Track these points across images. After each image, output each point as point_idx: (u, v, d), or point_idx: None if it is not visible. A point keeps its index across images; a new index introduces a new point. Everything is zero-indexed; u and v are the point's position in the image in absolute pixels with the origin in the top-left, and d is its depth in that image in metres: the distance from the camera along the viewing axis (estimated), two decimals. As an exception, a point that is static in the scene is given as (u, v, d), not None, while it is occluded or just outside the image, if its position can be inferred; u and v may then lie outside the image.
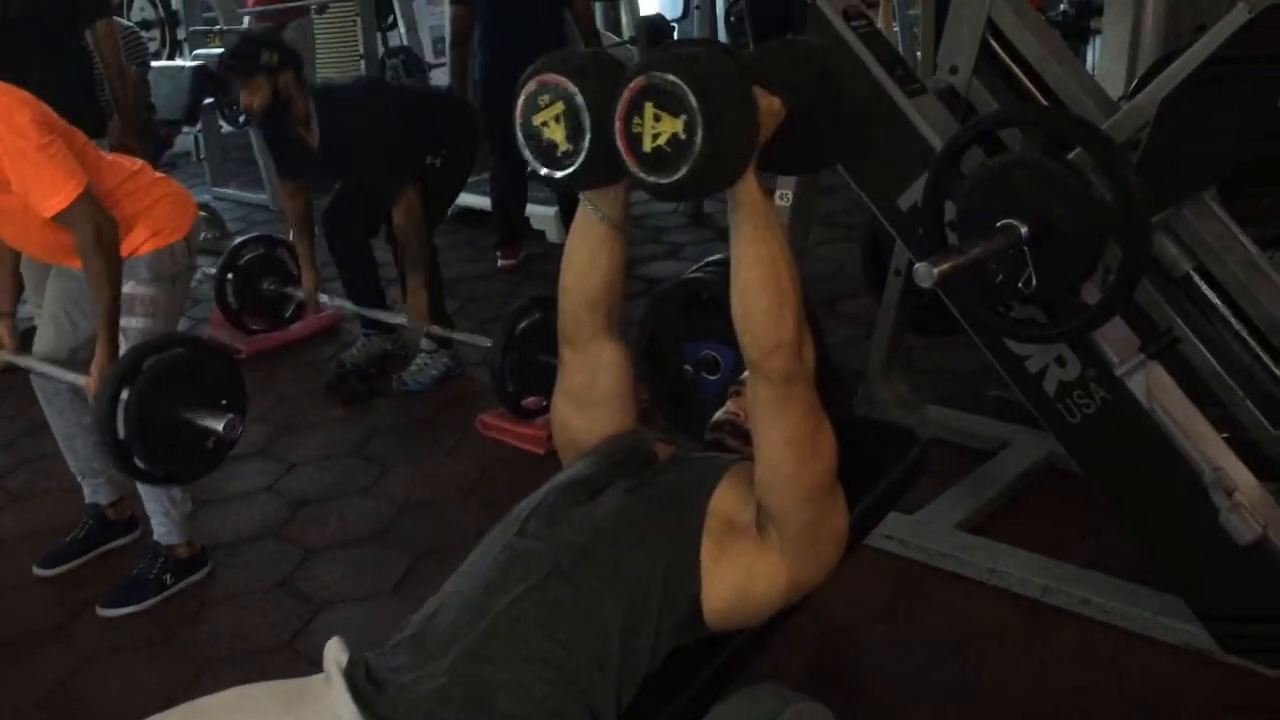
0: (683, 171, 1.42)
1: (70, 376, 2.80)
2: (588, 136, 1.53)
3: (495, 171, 5.20)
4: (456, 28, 5.09)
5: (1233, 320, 2.73)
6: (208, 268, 4.28)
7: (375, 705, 1.50)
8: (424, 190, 3.81)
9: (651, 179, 1.45)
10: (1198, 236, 2.70)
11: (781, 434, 1.58)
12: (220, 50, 6.21)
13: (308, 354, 4.47)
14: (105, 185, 2.75)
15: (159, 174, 2.94)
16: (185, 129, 6.29)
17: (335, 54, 8.02)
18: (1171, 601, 2.45)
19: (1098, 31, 4.53)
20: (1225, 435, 2.42)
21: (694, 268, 2.96)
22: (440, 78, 6.97)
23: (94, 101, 4.14)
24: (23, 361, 2.87)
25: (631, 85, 1.44)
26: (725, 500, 1.68)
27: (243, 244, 4.31)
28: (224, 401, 2.61)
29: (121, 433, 2.47)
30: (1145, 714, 2.29)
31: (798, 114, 1.58)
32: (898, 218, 2.60)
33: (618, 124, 1.46)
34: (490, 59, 4.95)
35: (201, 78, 5.69)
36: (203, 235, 5.81)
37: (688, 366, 2.83)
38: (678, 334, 2.83)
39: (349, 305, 4.19)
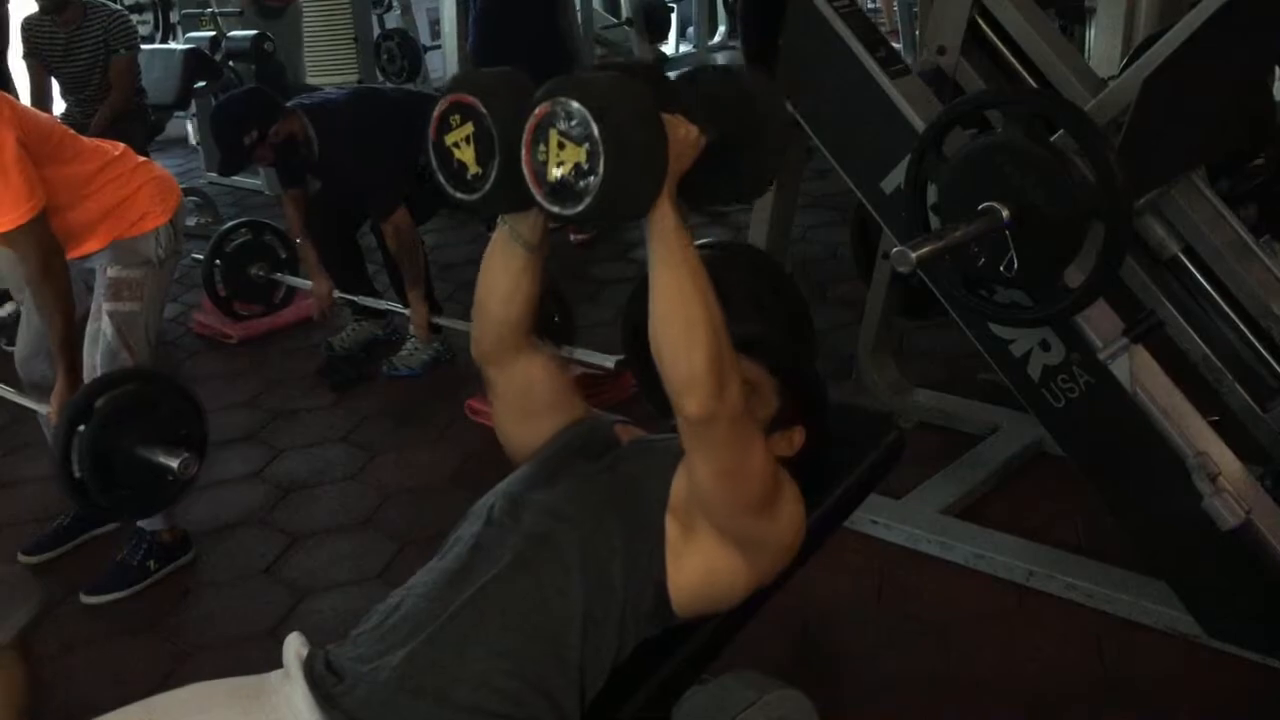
0: (586, 202, 1.36)
1: (32, 405, 2.79)
2: (496, 161, 1.47)
3: None
4: None
5: (1221, 302, 2.71)
6: (197, 253, 4.28)
7: (334, 696, 1.49)
8: (417, 186, 3.82)
9: (556, 209, 1.40)
10: (1186, 218, 2.67)
11: (707, 468, 1.53)
12: (212, 33, 6.20)
13: (297, 339, 4.46)
14: (86, 170, 2.74)
15: (141, 158, 2.92)
16: (178, 114, 6.25)
17: (329, 37, 8.00)
18: (1157, 586, 2.43)
19: (1093, 9, 4.48)
20: (1213, 419, 2.40)
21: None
22: (435, 61, 6.93)
23: None
24: None
25: (536, 111, 1.38)
26: (684, 486, 1.65)
27: (230, 229, 4.29)
28: (183, 434, 2.56)
29: (76, 471, 2.43)
30: (1129, 698, 2.28)
31: (719, 144, 1.51)
32: (881, 201, 2.58)
33: (524, 151, 1.40)
34: (482, 39, 4.94)
35: (194, 61, 5.66)
36: (196, 221, 5.85)
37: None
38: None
39: (351, 297, 4.18)
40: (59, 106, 5.13)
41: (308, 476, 3.43)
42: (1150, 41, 2.69)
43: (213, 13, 6.49)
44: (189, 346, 4.53)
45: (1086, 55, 4.22)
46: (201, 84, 5.87)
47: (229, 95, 4.30)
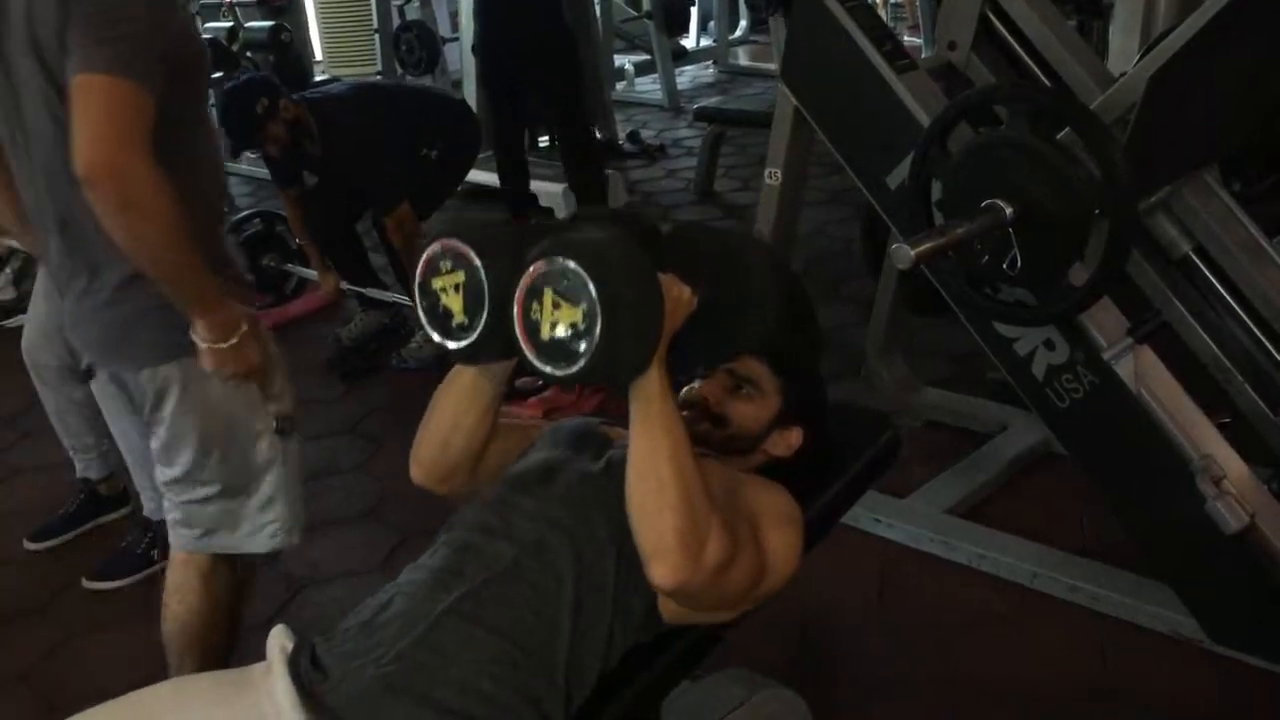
0: (580, 365, 1.33)
1: None
2: (484, 314, 1.43)
3: (495, 139, 5.17)
4: None
5: (1232, 303, 2.67)
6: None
7: (317, 692, 1.48)
8: (420, 180, 3.83)
9: (548, 369, 1.37)
10: (1197, 217, 2.63)
11: (690, 610, 1.53)
12: (230, 24, 6.22)
13: (307, 330, 4.46)
14: None
15: None
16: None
17: (347, 28, 8.02)
18: (1160, 590, 2.41)
19: (1111, 5, 4.44)
20: (1224, 421, 2.37)
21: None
22: (451, 54, 6.92)
23: None
24: None
25: (532, 269, 1.35)
26: None
27: (242, 220, 4.30)
28: None
29: None
30: (1131, 703, 2.26)
31: (708, 304, 1.48)
32: (886, 197, 2.56)
33: (516, 308, 1.37)
34: (487, 24, 4.94)
35: (216, 53, 5.67)
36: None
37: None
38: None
39: (359, 289, 4.19)
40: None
41: (313, 467, 3.41)
42: (1163, 38, 2.65)
43: (231, 3, 6.50)
44: (201, 336, 4.52)
45: (1105, 53, 4.19)
46: (218, 74, 5.88)
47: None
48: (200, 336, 1.85)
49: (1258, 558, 2.18)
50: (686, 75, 8.69)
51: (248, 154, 6.98)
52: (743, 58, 9.21)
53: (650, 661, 1.66)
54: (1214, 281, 2.67)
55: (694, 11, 9.17)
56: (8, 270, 4.60)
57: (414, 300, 1.51)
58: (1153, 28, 3.86)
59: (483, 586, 1.53)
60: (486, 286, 1.42)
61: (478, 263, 1.43)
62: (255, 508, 2.10)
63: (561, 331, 1.34)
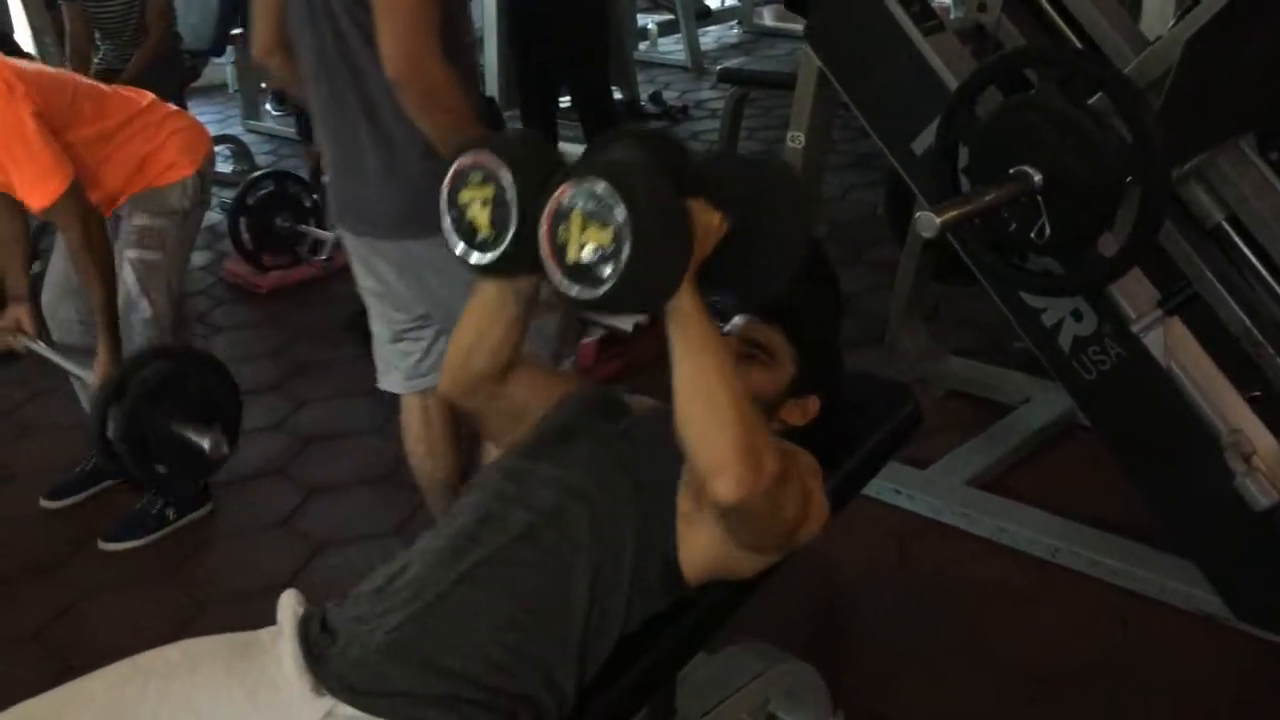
0: (606, 287, 1.31)
1: (81, 372, 2.78)
2: (511, 231, 1.42)
3: (523, 107, 5.11)
4: None
5: (1265, 273, 2.61)
6: (227, 200, 4.26)
7: (326, 657, 1.46)
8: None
9: (574, 292, 1.34)
10: (1231, 186, 2.57)
11: (741, 539, 1.51)
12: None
13: (326, 291, 4.43)
14: (112, 122, 2.73)
15: (170, 107, 2.90)
16: (215, 60, 6.22)
17: None
18: (1184, 565, 2.36)
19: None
20: (1254, 394, 2.32)
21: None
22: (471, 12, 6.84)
23: None
24: (39, 349, 2.81)
25: (561, 189, 1.33)
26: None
27: (254, 181, 4.27)
28: (217, 411, 2.61)
29: (114, 445, 2.48)
30: (1152, 679, 2.22)
31: (739, 232, 1.45)
32: (912, 163, 2.50)
33: (543, 227, 1.35)
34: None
35: (231, 6, 5.61)
36: (232, 169, 5.84)
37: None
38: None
39: None
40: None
41: (331, 428, 3.42)
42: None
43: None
44: (218, 295, 4.51)
45: (1138, 15, 4.09)
46: (240, 30, 5.83)
47: None
48: None
49: (1286, 535, 2.14)
50: (710, 35, 8.57)
51: (271, 110, 7.02)
52: (768, 18, 9.05)
53: (665, 632, 1.64)
54: (1247, 252, 2.62)
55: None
56: None
57: (443, 208, 1.48)
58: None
59: (497, 553, 1.52)
60: (515, 203, 1.41)
61: (508, 178, 1.42)
62: None
63: (589, 254, 1.31)
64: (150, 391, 2.48)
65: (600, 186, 1.30)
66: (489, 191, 1.43)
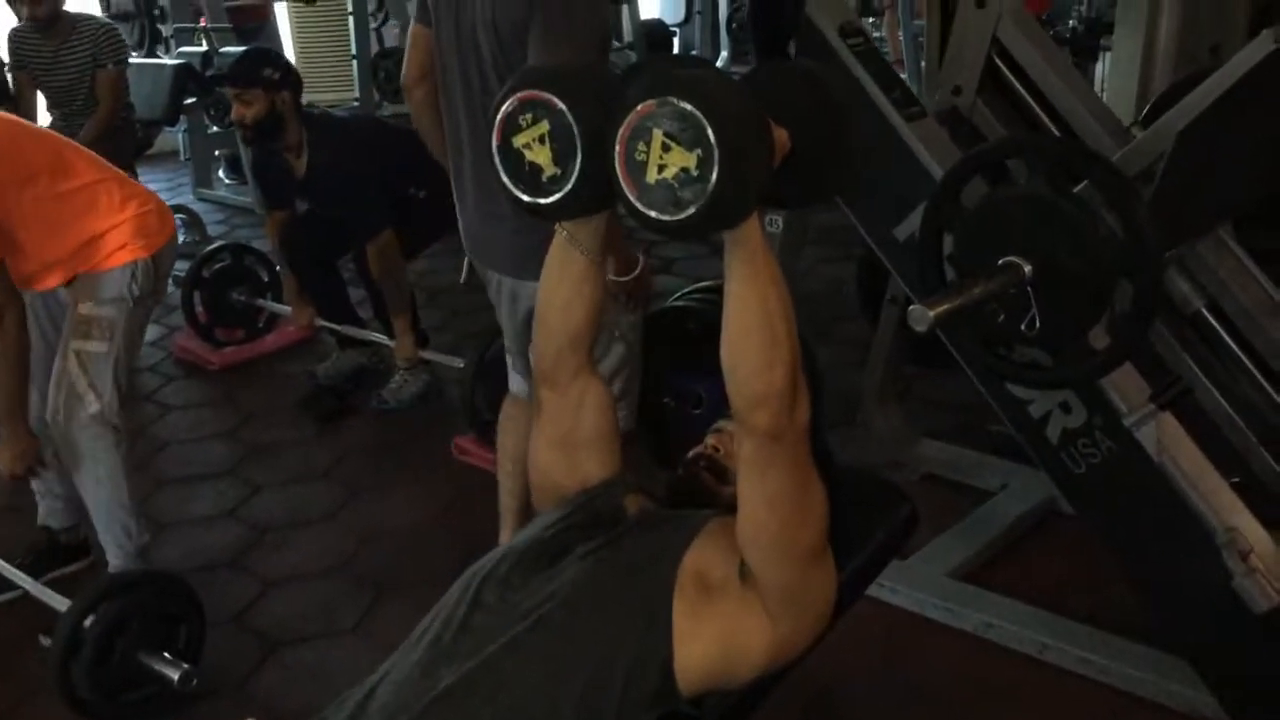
0: (691, 210, 1.26)
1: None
2: (579, 159, 1.37)
3: None
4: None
5: (1246, 361, 2.58)
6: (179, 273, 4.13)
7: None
8: (405, 218, 3.70)
9: (654, 214, 1.29)
10: (1211, 272, 2.54)
11: (765, 491, 1.45)
12: (204, 49, 6.08)
13: (280, 367, 4.32)
14: (75, 184, 2.59)
15: (140, 188, 2.77)
16: (168, 129, 6.11)
17: (324, 53, 7.89)
18: (1177, 665, 2.29)
19: (1108, 49, 4.37)
20: (1234, 480, 2.27)
21: (679, 294, 2.80)
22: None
23: None
24: None
25: (639, 108, 1.28)
26: (701, 557, 1.54)
27: (210, 254, 4.16)
28: (179, 629, 2.49)
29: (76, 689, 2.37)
30: (1147, 788, 2.14)
31: (802, 146, 1.42)
32: (894, 249, 2.45)
33: (618, 148, 1.29)
34: None
35: (184, 77, 5.53)
36: (183, 239, 5.71)
37: (668, 399, 2.68)
38: (660, 364, 2.68)
39: (334, 326, 4.06)
40: (44, 119, 5.00)
41: (285, 516, 3.28)
42: (1177, 89, 2.57)
43: (205, 29, 6.36)
44: (167, 372, 4.37)
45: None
46: (191, 100, 5.74)
47: None
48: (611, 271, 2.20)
49: (1285, 636, 2.08)
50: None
51: (224, 178, 6.92)
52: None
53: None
54: (1227, 339, 2.58)
55: (675, 42, 9.11)
56: None
57: (498, 165, 1.44)
58: (1151, 73, 3.79)
59: (473, 671, 1.42)
60: (577, 130, 1.36)
61: (561, 105, 1.37)
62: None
63: (671, 175, 1.26)
64: (111, 627, 2.37)
65: (687, 107, 1.24)
66: (544, 128, 1.39)
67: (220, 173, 6.96)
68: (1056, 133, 2.63)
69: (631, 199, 1.31)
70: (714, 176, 1.24)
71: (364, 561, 3.03)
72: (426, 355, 3.89)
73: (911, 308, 1.93)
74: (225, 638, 2.70)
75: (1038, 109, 2.70)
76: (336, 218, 3.82)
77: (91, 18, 4.88)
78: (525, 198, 1.43)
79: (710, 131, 1.23)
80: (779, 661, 1.55)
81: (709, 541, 1.56)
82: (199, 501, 3.38)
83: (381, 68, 7.20)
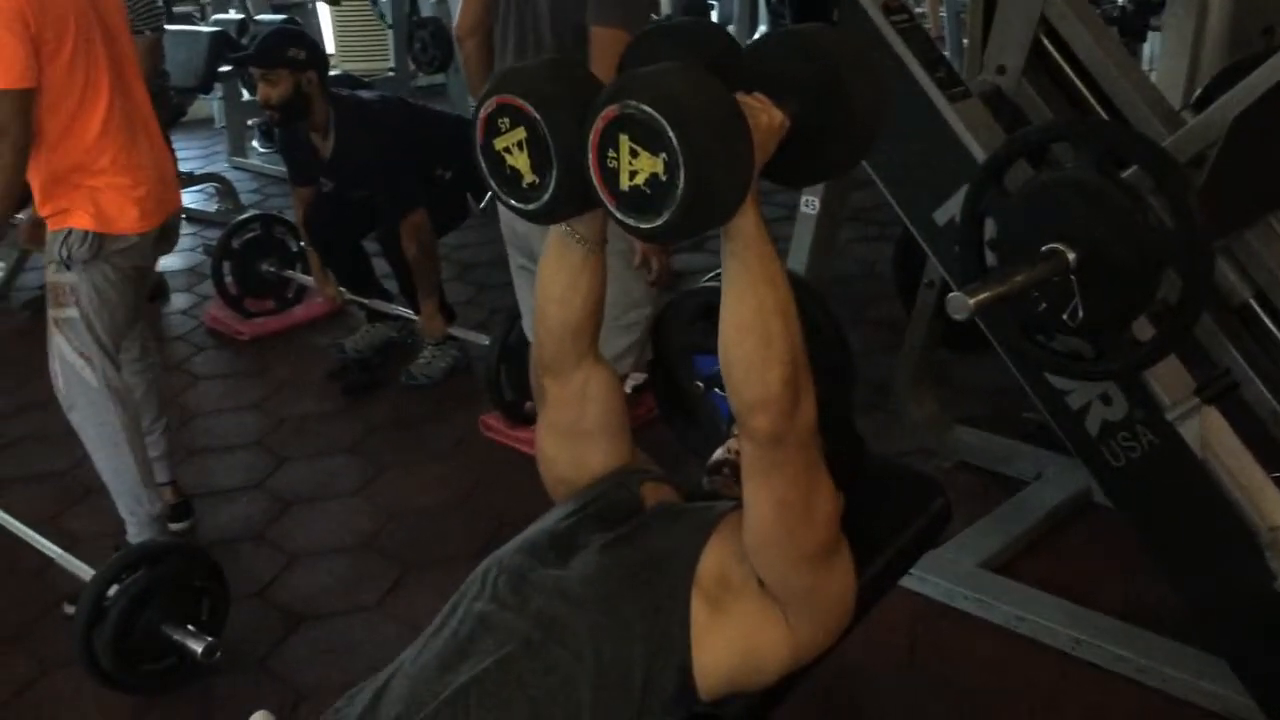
0: (665, 216, 1.21)
1: None
2: (555, 169, 1.32)
3: None
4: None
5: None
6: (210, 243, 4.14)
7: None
8: (431, 199, 3.68)
9: (631, 221, 1.24)
10: (1260, 262, 2.47)
11: (769, 496, 1.39)
12: (240, 16, 6.05)
13: (310, 339, 4.30)
14: (98, 112, 2.54)
15: (146, 174, 2.64)
16: (204, 95, 6.10)
17: (361, 23, 7.86)
18: (1214, 663, 2.24)
19: (1157, 29, 4.26)
20: (1276, 475, 2.20)
21: (710, 275, 2.75)
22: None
23: None
24: None
25: (604, 114, 1.23)
26: (719, 556, 1.49)
27: (240, 223, 4.15)
28: (202, 604, 2.48)
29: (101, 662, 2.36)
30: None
31: (804, 121, 1.35)
32: (933, 232, 2.39)
33: (590, 157, 1.25)
34: None
35: (219, 44, 5.51)
36: (216, 208, 5.72)
37: (699, 382, 2.63)
38: (689, 347, 2.63)
39: (362, 300, 4.04)
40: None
41: (311, 489, 3.27)
42: (1230, 73, 2.49)
43: (241, -5, 6.34)
44: (199, 342, 4.37)
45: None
46: (227, 67, 5.72)
47: None
48: None
49: (1329, 640, 2.02)
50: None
51: (259, 146, 6.90)
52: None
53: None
54: (1275, 332, 2.51)
55: (714, 15, 9.01)
56: None
57: (481, 164, 1.40)
58: (1200, 55, 3.68)
59: (489, 670, 1.39)
60: (551, 140, 1.30)
61: (536, 115, 1.31)
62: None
63: (643, 181, 1.21)
64: (135, 599, 2.36)
65: (646, 109, 1.19)
66: (521, 133, 1.33)
67: (255, 141, 6.94)
68: (1104, 116, 2.55)
69: (610, 207, 1.26)
70: (681, 179, 1.19)
71: (388, 537, 3.01)
72: (454, 331, 3.86)
73: (950, 295, 1.87)
74: (248, 611, 2.69)
75: (1085, 91, 2.62)
76: (362, 198, 3.79)
77: (128, -16, 4.85)
78: (510, 201, 1.38)
79: (671, 134, 1.18)
80: (800, 662, 1.51)
81: (728, 537, 1.51)
82: (226, 473, 3.37)
83: (418, 37, 7.15)
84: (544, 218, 1.40)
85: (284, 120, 3.70)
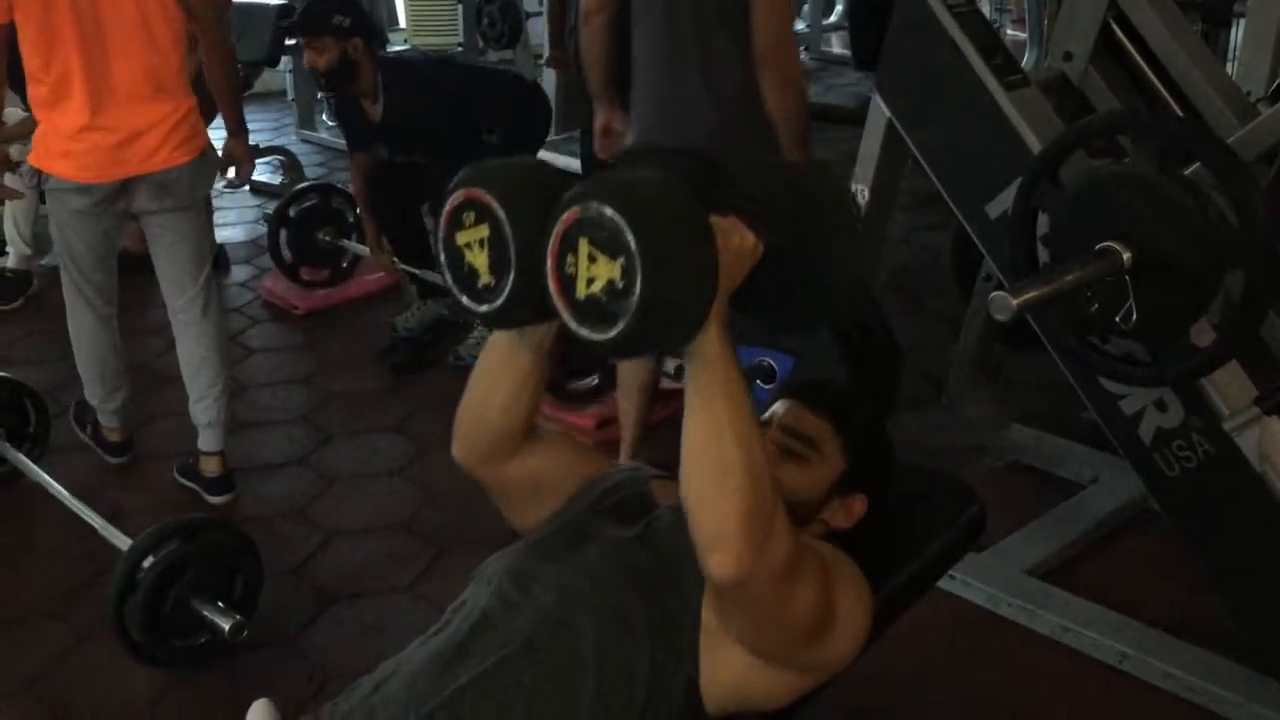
0: (620, 325, 1.14)
1: None
2: (512, 273, 1.25)
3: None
4: None
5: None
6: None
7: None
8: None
9: (585, 332, 1.18)
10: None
11: (744, 618, 1.34)
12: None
13: (363, 315, 4.30)
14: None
15: (98, 139, 2.74)
16: (270, 69, 6.13)
17: (431, 1, 7.85)
18: (1267, 684, 2.14)
19: (1241, 15, 4.09)
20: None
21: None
22: (537, 27, 6.71)
23: None
24: None
25: (565, 217, 1.17)
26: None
27: (298, 192, 4.15)
28: (239, 583, 2.48)
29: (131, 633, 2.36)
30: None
31: (777, 253, 1.29)
32: (985, 226, 2.30)
33: (549, 261, 1.19)
34: None
35: (286, 17, 5.52)
36: (280, 180, 5.74)
37: (740, 373, 2.57)
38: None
39: (413, 270, 4.03)
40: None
41: (353, 467, 3.26)
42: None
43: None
44: (254, 315, 4.38)
45: (1229, 65, 3.86)
46: (294, 40, 5.73)
47: None
48: None
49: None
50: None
51: (327, 120, 6.92)
52: (836, 45, 8.86)
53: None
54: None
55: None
56: None
57: (440, 255, 1.33)
58: (1288, 42, 3.52)
59: (490, 671, 1.35)
60: (512, 244, 1.24)
61: (501, 215, 1.25)
62: None
63: (599, 289, 1.14)
64: (166, 573, 2.36)
65: (606, 212, 1.13)
66: (484, 231, 1.27)
67: (324, 115, 6.96)
68: (1175, 107, 2.44)
69: (565, 316, 1.19)
70: (638, 287, 1.12)
71: (426, 519, 2.99)
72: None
73: (993, 294, 1.80)
74: (282, 588, 2.69)
75: (1155, 80, 2.50)
76: (415, 162, 3.77)
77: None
78: (463, 299, 1.32)
79: (630, 236, 1.11)
80: (817, 683, 1.44)
81: None
82: (271, 448, 3.38)
83: (486, 13, 7.11)
84: (496, 322, 1.36)
85: (332, 86, 3.71)
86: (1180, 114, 2.38)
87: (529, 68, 6.58)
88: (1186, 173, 1.90)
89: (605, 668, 1.35)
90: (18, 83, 2.86)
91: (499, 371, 1.47)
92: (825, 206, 1.33)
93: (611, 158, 2.00)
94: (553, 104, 4.62)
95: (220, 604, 2.39)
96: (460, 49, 7.32)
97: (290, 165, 5.84)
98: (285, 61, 6.36)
